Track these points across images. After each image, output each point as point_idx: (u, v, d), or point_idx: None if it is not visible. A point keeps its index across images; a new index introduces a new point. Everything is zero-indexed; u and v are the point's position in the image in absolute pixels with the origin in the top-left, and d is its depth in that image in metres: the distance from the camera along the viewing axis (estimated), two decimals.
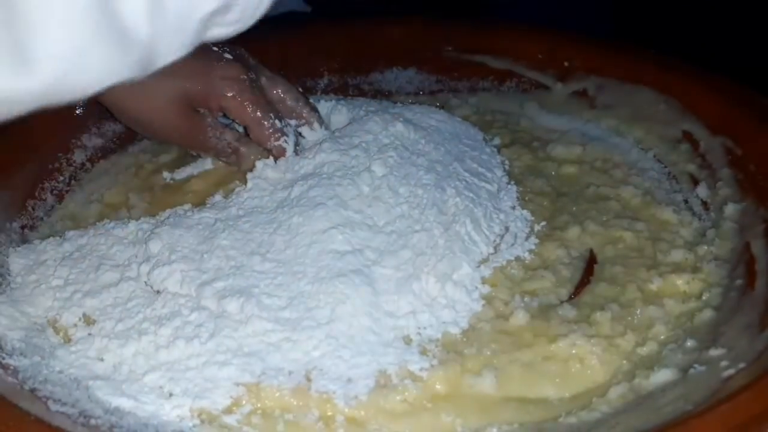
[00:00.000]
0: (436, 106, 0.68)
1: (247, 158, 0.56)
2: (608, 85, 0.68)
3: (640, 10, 0.98)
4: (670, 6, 0.94)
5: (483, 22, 0.79)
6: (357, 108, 0.61)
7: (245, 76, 0.55)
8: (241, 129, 0.58)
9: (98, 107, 0.62)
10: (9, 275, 0.50)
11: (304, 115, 0.58)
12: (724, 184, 0.56)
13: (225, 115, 0.57)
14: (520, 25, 0.81)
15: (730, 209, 0.54)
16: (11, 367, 0.41)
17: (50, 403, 0.39)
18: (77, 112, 0.62)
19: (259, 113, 0.55)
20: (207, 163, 0.60)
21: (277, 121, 0.56)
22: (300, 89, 0.60)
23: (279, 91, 0.58)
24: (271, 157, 0.56)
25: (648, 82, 0.65)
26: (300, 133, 0.58)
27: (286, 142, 0.56)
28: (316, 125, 0.59)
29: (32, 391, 0.40)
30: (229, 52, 0.56)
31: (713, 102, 0.60)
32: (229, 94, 0.55)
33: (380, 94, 0.73)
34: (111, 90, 0.55)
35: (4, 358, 0.42)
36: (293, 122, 0.58)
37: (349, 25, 0.76)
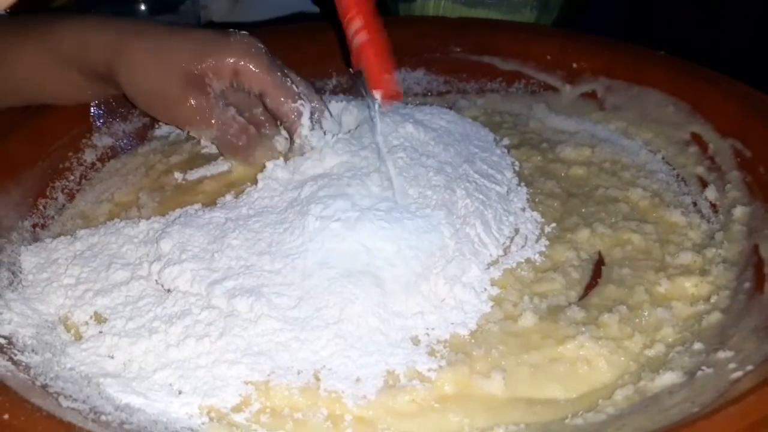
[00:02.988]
0: (445, 107, 0.68)
1: (254, 141, 0.57)
2: (617, 86, 0.68)
3: (648, 11, 0.98)
4: (679, 7, 0.94)
5: (491, 24, 0.79)
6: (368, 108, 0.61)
7: (262, 46, 0.55)
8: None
9: (109, 108, 0.63)
10: (21, 273, 0.51)
11: (314, 103, 0.58)
12: (733, 187, 0.56)
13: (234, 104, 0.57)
14: (529, 27, 0.81)
15: (739, 212, 0.53)
16: (23, 364, 0.42)
17: (61, 399, 0.39)
18: (91, 111, 0.62)
19: (277, 74, 0.55)
20: (219, 166, 0.60)
21: (294, 86, 0.56)
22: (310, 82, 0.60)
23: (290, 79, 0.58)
24: (282, 158, 0.56)
25: (657, 84, 0.65)
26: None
27: (302, 105, 0.55)
28: (326, 114, 0.58)
29: (44, 387, 0.40)
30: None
31: (722, 104, 0.60)
32: (245, 58, 0.54)
33: None
34: (127, 60, 0.54)
35: (16, 355, 0.42)
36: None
37: None
